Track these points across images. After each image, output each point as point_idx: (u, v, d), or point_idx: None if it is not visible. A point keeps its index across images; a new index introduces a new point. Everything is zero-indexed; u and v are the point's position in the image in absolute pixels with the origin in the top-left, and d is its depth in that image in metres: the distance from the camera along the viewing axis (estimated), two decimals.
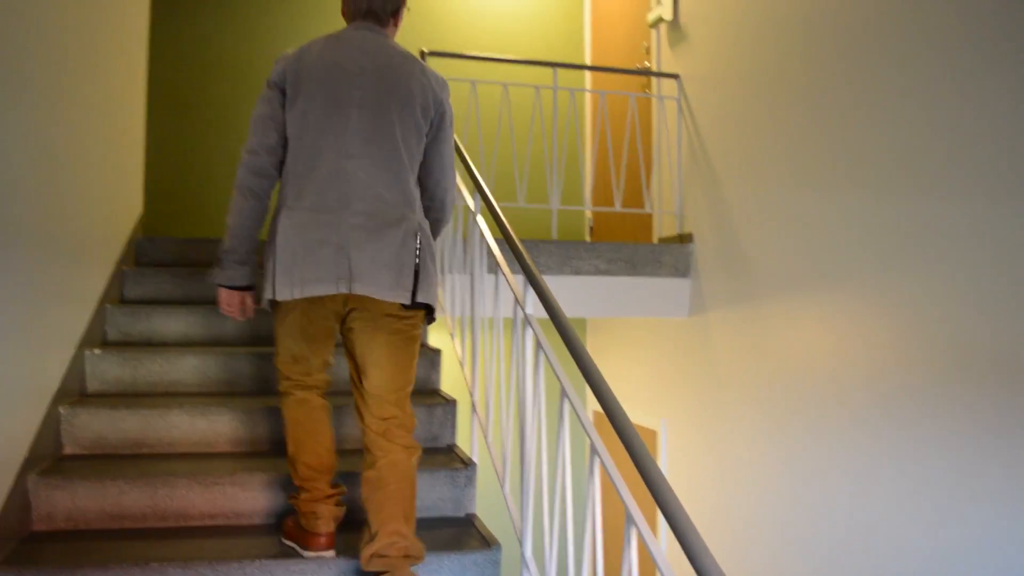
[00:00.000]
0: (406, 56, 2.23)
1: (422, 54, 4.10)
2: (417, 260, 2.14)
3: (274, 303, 2.20)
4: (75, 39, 2.71)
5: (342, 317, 2.19)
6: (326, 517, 2.22)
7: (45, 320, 2.47)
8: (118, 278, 3.44)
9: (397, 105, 2.17)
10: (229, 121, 5.34)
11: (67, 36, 2.62)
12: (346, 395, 2.99)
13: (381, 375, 2.15)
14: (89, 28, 2.89)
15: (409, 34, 5.64)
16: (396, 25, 2.35)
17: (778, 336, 3.37)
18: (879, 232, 2.82)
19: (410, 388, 2.23)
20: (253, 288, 2.30)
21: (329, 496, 2.25)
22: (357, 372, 2.20)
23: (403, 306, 2.15)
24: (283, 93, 2.18)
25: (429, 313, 2.28)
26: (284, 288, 2.07)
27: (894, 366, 2.75)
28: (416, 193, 2.21)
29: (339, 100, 2.14)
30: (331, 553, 2.23)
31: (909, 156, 2.71)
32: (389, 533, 2.10)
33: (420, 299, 2.14)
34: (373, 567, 2.12)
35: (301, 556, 2.22)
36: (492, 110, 5.76)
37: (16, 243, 2.19)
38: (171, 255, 3.88)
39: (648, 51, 4.82)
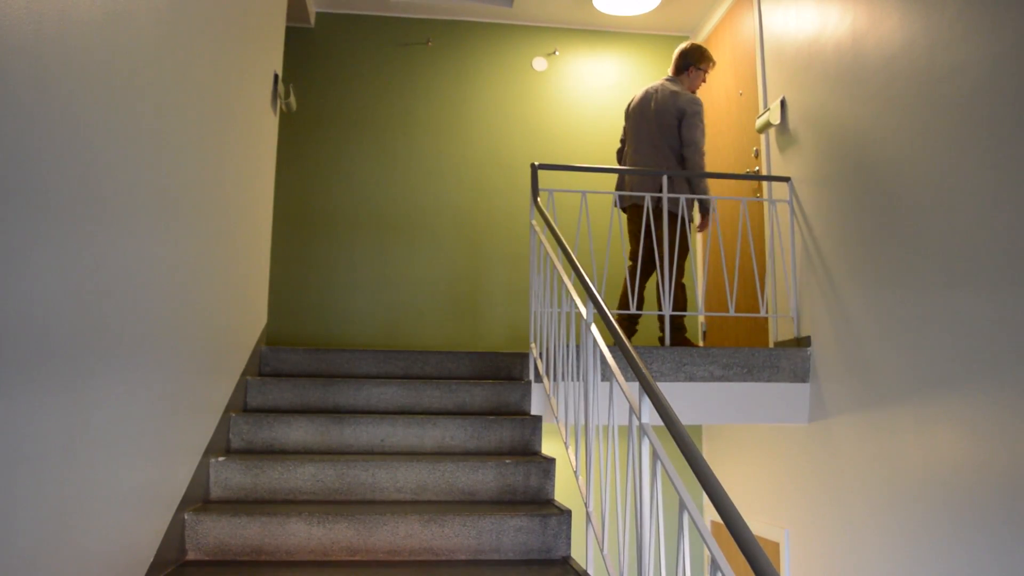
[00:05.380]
0: (675, 92, 4.51)
1: (533, 167, 4.21)
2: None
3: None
4: (216, 158, 2.91)
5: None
6: None
7: (176, 428, 2.58)
8: (242, 387, 3.58)
9: (662, 115, 4.49)
10: (350, 234, 5.57)
11: (208, 156, 2.81)
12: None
13: None
14: (228, 149, 3.09)
15: (523, 147, 5.81)
16: (686, 74, 4.63)
17: (908, 443, 3.20)
18: (1020, 329, 2.67)
19: None
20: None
21: None
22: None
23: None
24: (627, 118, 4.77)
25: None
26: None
27: None
28: (671, 155, 4.46)
29: (639, 119, 4.62)
30: None
31: None
32: None
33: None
34: None
35: None
36: (603, 218, 5.83)
37: (153, 355, 2.31)
38: (292, 365, 4.02)
39: (758, 155, 4.82)
